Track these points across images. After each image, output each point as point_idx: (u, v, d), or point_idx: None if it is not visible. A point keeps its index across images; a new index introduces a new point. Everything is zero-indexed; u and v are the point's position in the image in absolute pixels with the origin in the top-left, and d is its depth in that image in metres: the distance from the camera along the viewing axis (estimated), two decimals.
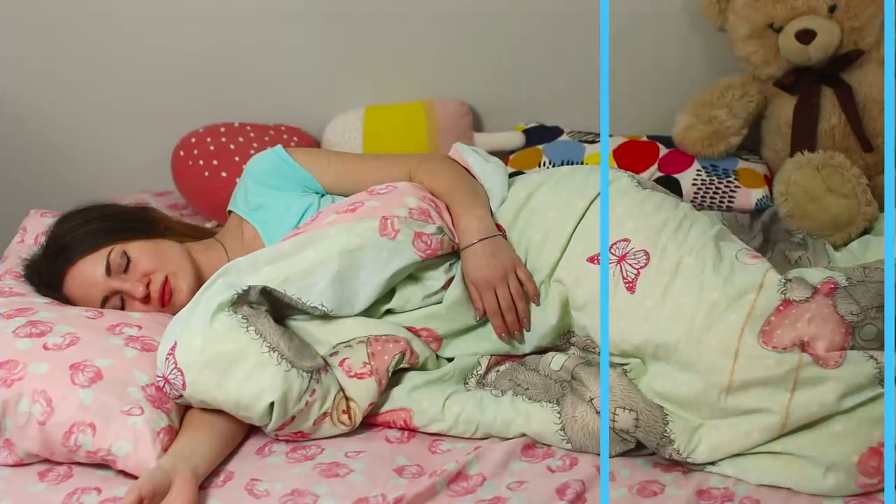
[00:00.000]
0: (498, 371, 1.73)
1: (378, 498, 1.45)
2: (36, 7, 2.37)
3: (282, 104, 2.45)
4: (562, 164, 2.30)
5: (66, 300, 1.81)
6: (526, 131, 2.44)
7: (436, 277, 1.75)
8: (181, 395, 1.58)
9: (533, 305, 1.73)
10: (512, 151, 2.41)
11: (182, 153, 2.32)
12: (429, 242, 1.72)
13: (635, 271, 1.65)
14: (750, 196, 2.17)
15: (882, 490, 1.45)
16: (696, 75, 2.36)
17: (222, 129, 2.35)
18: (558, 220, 1.75)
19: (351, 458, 1.57)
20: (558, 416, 1.58)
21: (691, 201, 2.18)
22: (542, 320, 1.73)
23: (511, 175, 1.92)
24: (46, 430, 1.54)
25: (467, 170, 1.87)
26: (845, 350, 1.49)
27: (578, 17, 2.36)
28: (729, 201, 2.18)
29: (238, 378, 1.55)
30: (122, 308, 1.80)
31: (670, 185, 2.19)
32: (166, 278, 1.79)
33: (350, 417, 1.62)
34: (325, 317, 1.70)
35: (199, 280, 1.79)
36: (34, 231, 2.08)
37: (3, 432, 1.57)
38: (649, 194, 1.76)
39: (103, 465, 1.56)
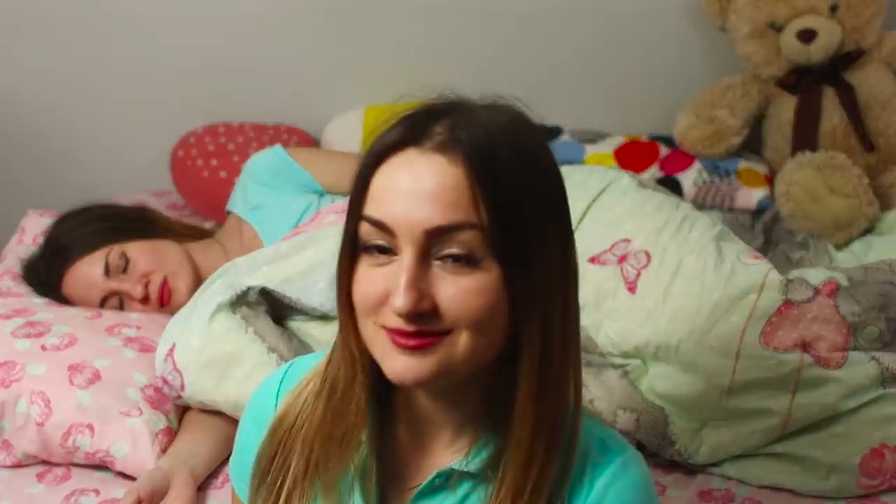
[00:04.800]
0: None
1: None
2: (34, 6, 2.36)
3: (282, 104, 2.45)
4: (562, 165, 2.29)
5: (65, 300, 1.81)
6: None
7: None
8: (180, 396, 1.57)
9: None
10: None
11: (181, 153, 2.31)
12: None
13: (636, 272, 1.64)
14: (751, 196, 2.16)
15: (884, 491, 1.45)
16: (697, 75, 2.35)
17: (221, 129, 2.34)
18: None
19: None
20: None
21: (692, 201, 2.17)
22: None
23: None
24: (45, 432, 1.54)
25: None
26: (847, 351, 1.49)
27: (579, 15, 2.35)
28: (730, 201, 2.17)
29: (237, 379, 1.54)
30: (121, 308, 1.80)
31: (671, 185, 2.18)
32: (165, 279, 1.79)
33: None
34: (325, 317, 1.69)
35: (197, 280, 1.79)
36: (33, 231, 2.07)
37: (2, 433, 1.57)
38: (650, 194, 1.75)
39: (102, 467, 1.55)
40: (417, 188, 0.91)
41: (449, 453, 1.02)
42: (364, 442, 1.01)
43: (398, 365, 0.93)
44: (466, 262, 0.91)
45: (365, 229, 0.93)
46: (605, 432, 1.03)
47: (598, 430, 1.03)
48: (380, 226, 0.92)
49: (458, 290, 0.91)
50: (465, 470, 0.99)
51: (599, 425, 1.04)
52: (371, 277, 0.93)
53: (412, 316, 0.91)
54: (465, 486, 1.01)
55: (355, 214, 0.94)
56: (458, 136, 0.92)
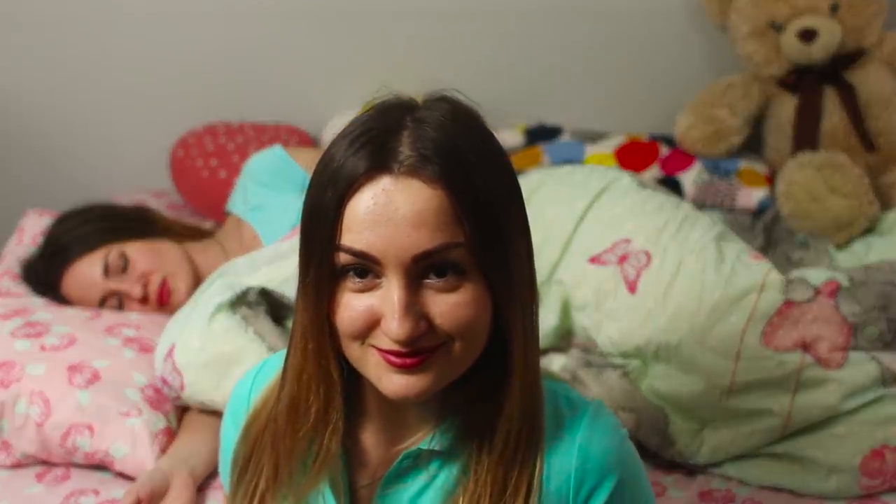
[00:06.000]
0: None
1: None
2: (34, 4, 2.36)
3: (281, 104, 2.45)
4: (562, 164, 2.29)
5: (64, 300, 1.80)
6: (526, 131, 2.44)
7: None
8: (179, 397, 1.57)
9: None
10: (512, 151, 2.40)
11: (180, 153, 2.31)
12: None
13: (636, 272, 1.64)
14: (751, 196, 2.16)
15: (885, 491, 1.45)
16: (697, 75, 2.35)
17: (221, 129, 2.34)
18: (558, 221, 1.74)
19: None
20: None
21: (692, 201, 2.17)
22: (543, 321, 1.72)
23: None
24: (44, 432, 1.53)
25: None
26: (847, 351, 1.48)
27: (580, 15, 2.35)
28: (730, 201, 2.17)
29: (236, 379, 1.53)
30: (120, 308, 1.80)
31: (672, 185, 2.18)
32: (164, 279, 1.79)
33: None
34: None
35: (197, 280, 1.78)
36: (32, 231, 2.06)
37: (1, 434, 1.57)
38: (650, 194, 1.75)
39: (101, 467, 1.55)
40: (398, 216, 0.90)
41: (416, 437, 1.03)
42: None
43: (396, 384, 0.94)
44: (455, 278, 0.92)
45: (344, 259, 0.92)
46: (564, 388, 1.05)
47: (558, 387, 1.05)
48: (364, 256, 0.91)
49: (448, 306, 0.92)
50: (434, 448, 1.00)
51: (555, 382, 1.06)
52: (356, 303, 0.93)
53: (409, 340, 0.91)
54: (434, 465, 1.02)
55: (329, 246, 0.92)
56: (425, 154, 0.91)
